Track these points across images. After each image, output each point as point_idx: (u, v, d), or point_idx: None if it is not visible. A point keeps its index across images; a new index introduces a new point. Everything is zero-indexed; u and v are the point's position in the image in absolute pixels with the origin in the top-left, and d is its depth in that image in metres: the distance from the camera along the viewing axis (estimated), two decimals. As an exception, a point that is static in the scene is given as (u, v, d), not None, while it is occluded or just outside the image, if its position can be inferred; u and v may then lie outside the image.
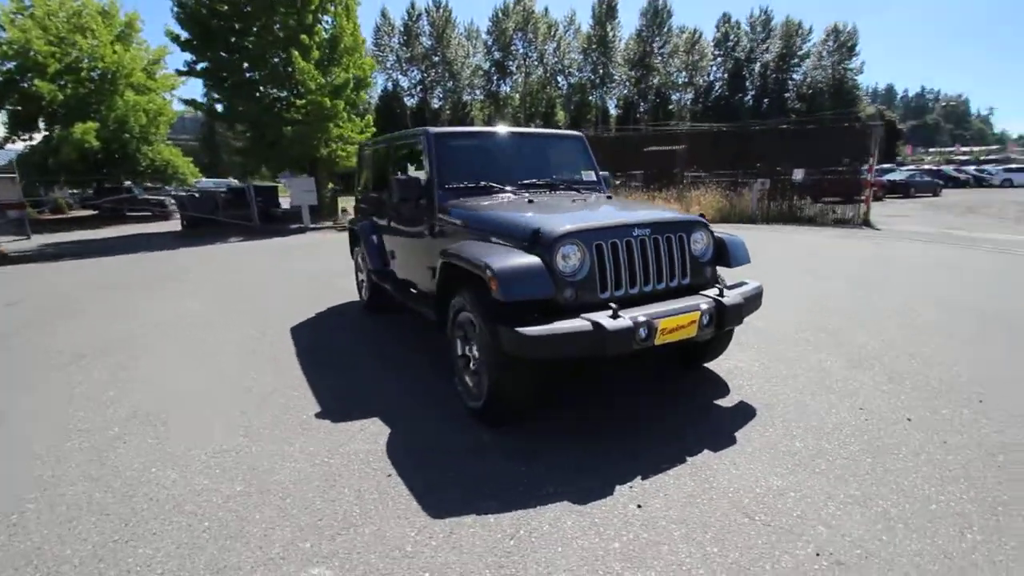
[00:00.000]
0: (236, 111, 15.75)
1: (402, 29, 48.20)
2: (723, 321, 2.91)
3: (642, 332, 2.58)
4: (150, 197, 20.79)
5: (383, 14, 49.59)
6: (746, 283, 3.22)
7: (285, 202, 18.64)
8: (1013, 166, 32.17)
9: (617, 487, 2.37)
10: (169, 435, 3.00)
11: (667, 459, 2.59)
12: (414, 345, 4.46)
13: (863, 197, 14.15)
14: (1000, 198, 21.85)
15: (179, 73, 16.47)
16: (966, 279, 6.55)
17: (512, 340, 2.54)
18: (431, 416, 3.13)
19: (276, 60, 15.61)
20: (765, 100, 53.84)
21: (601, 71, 51.25)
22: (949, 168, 33.59)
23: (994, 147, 70.12)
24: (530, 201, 3.48)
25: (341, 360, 4.15)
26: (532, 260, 2.65)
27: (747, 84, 54.15)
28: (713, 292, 3.00)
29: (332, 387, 3.62)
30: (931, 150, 70.31)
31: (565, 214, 3.13)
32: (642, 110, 51.55)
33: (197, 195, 15.99)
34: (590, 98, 52.69)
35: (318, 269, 8.23)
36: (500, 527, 2.13)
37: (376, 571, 1.91)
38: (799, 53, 53.90)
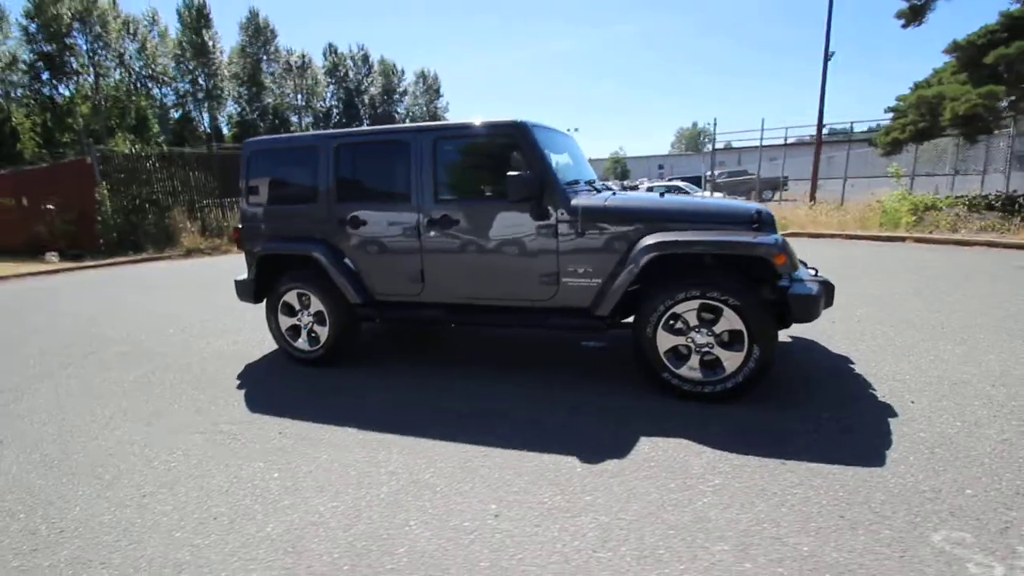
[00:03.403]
0: None
1: None
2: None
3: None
4: None
5: None
6: None
7: None
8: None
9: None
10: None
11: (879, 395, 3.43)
12: (477, 375, 3.72)
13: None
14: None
15: None
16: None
17: (805, 305, 2.88)
18: (702, 425, 2.97)
19: None
20: (378, 128, 58.70)
21: (204, 83, 45.00)
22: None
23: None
24: (662, 194, 3.63)
25: (447, 425, 3.17)
26: (780, 237, 3.00)
27: (361, 113, 57.77)
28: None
29: (513, 446, 2.83)
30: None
31: (730, 199, 3.54)
32: (261, 130, 48.12)
33: None
34: (193, 112, 45.61)
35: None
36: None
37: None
38: (398, 90, 61.14)
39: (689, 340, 3.10)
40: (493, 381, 3.66)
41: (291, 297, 4.07)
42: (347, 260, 3.88)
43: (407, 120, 62.12)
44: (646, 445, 2.68)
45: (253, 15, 48.22)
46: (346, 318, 3.95)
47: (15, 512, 2.38)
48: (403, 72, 61.29)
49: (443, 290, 3.71)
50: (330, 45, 55.29)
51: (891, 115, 12.56)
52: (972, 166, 12.66)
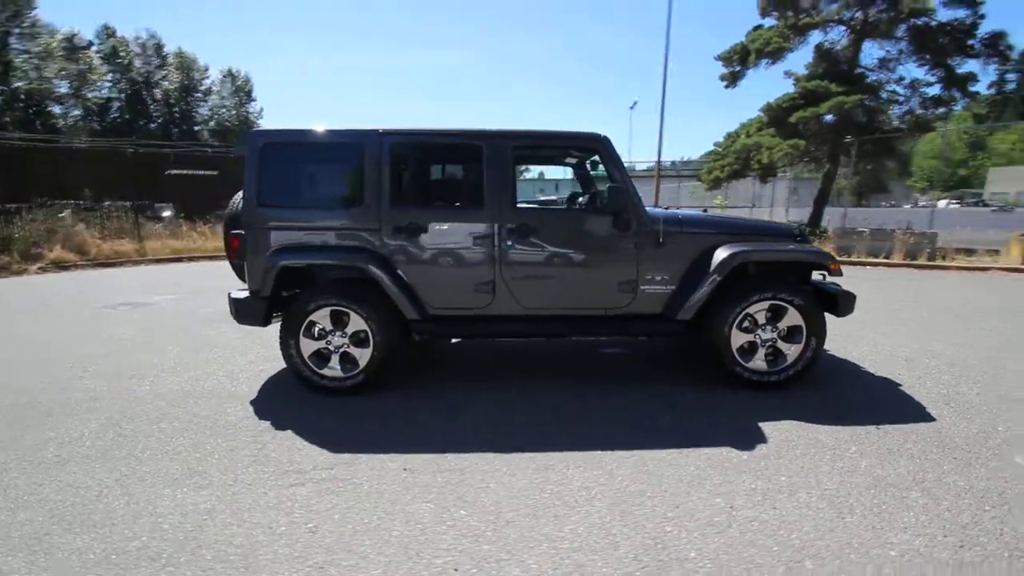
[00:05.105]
0: None
1: None
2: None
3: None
4: None
5: None
6: None
7: None
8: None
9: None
10: None
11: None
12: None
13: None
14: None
15: None
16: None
17: (849, 302, 3.55)
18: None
19: None
20: (175, 129, 50.70)
21: (-88, 51, 33.67)
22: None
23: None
24: (704, 210, 4.04)
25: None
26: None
27: (151, 109, 49.25)
28: None
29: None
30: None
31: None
32: (8, 122, 37.83)
33: None
34: None
35: None
36: (939, 405, 3.33)
37: None
38: (201, 88, 53.71)
39: (756, 336, 3.56)
40: (542, 394, 3.61)
41: (320, 316, 3.49)
42: (399, 271, 3.50)
43: (212, 123, 54.81)
44: (770, 429, 3.02)
45: (-6, -26, 37.84)
46: (395, 337, 3.54)
47: None
48: (207, 69, 54.08)
49: (516, 301, 3.58)
50: (106, 27, 46.17)
51: (712, 157, 15.46)
52: (764, 202, 16.30)
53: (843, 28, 13.84)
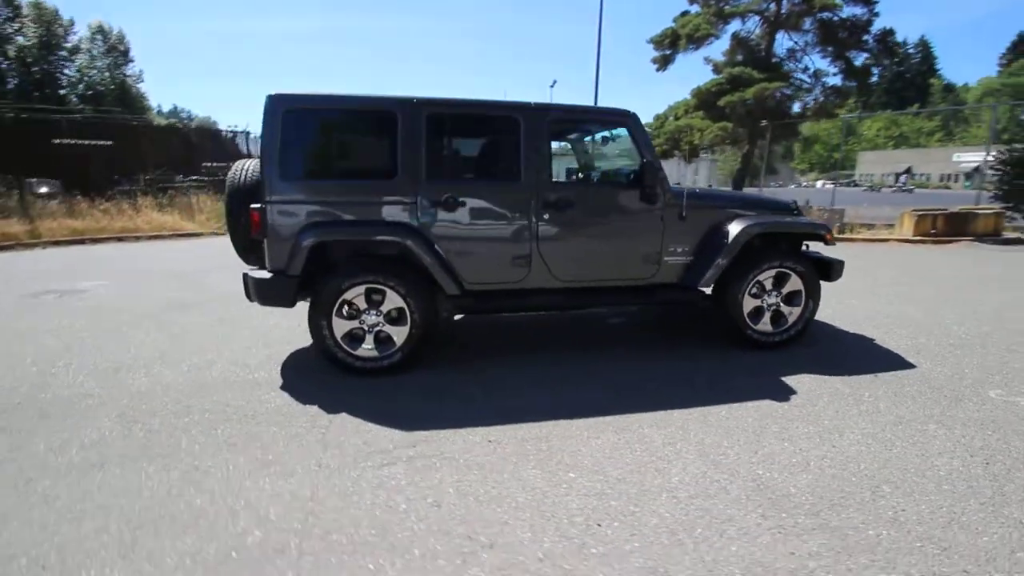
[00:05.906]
0: None
1: None
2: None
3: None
4: None
5: None
6: None
7: None
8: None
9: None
10: (859, 483, 2.28)
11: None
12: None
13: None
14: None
15: None
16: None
17: (840, 268, 4.00)
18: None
19: None
20: (36, 92, 43.83)
21: None
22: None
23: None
24: (710, 185, 4.29)
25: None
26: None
27: (3, 68, 42.12)
28: None
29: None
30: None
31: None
32: None
33: None
34: None
35: None
36: None
37: None
38: (66, 46, 46.69)
39: (763, 301, 3.92)
40: (567, 363, 3.79)
41: (354, 295, 3.34)
42: (437, 247, 3.43)
43: (81, 85, 47.95)
44: (793, 383, 3.37)
45: None
46: (434, 314, 3.49)
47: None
48: (73, 24, 47.01)
49: (551, 275, 3.66)
50: (-64, -35, 38.39)
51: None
52: (686, 181, 17.42)
53: (758, 18, 14.96)
